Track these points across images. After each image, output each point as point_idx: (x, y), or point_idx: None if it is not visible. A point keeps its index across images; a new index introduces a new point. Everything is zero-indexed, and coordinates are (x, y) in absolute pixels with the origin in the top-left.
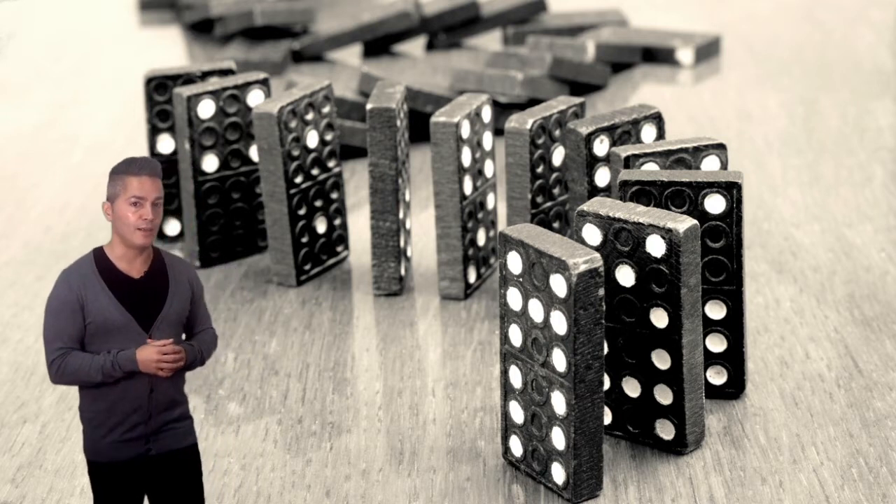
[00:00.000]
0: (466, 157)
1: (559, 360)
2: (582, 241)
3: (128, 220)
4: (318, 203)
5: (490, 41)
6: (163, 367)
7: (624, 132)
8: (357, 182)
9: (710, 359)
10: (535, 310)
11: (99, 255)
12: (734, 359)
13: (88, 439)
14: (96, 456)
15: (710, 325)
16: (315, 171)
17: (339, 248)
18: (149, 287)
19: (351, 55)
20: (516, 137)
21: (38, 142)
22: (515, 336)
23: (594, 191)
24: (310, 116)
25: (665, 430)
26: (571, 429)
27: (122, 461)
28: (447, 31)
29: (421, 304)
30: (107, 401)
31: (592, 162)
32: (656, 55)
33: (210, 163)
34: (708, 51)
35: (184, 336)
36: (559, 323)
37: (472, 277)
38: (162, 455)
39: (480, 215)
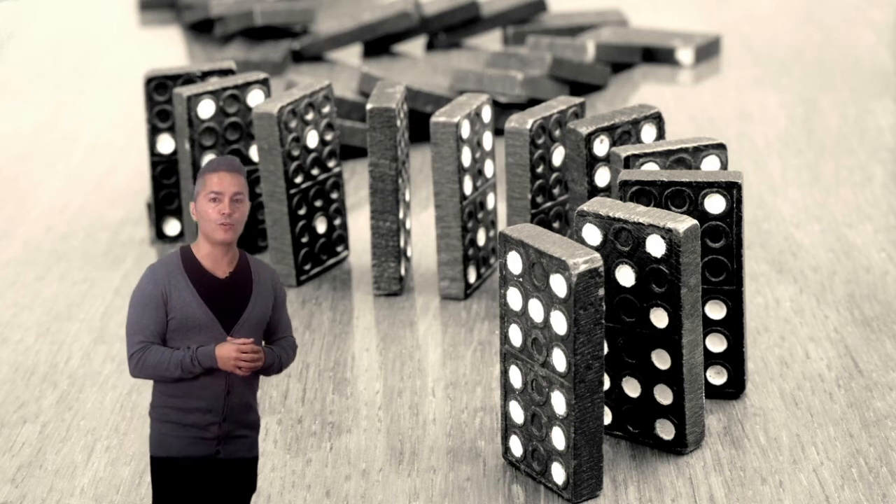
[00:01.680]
0: (466, 157)
1: (559, 360)
2: (582, 241)
3: (208, 215)
4: (318, 203)
5: (490, 41)
6: (241, 365)
7: (624, 132)
8: (357, 182)
9: (710, 359)
10: (535, 310)
11: (185, 252)
12: (734, 359)
13: (157, 434)
14: (164, 451)
15: (710, 325)
16: (315, 171)
17: (339, 248)
18: (233, 288)
19: (351, 55)
20: (516, 137)
21: (38, 142)
22: (515, 336)
23: (594, 191)
24: (310, 116)
25: (665, 430)
26: (571, 429)
27: (189, 458)
28: (447, 31)
29: (421, 304)
30: (182, 398)
31: (592, 162)
32: (656, 55)
33: None
34: (708, 51)
35: (262, 342)
36: (559, 323)
37: (472, 277)
38: (229, 461)
39: (480, 215)
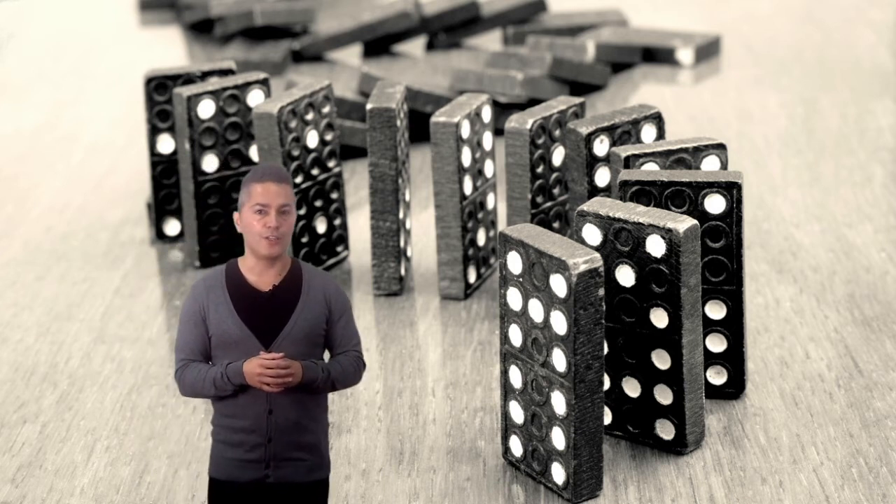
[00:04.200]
0: (466, 157)
1: (559, 360)
2: (582, 241)
3: (253, 228)
4: (318, 203)
5: (490, 41)
6: (266, 381)
7: (624, 132)
8: (357, 182)
9: (710, 359)
10: (535, 310)
11: (231, 266)
12: (734, 359)
13: (213, 453)
14: (216, 472)
15: (710, 325)
16: (315, 171)
17: (339, 248)
18: (275, 301)
19: (351, 55)
20: (516, 137)
21: (38, 142)
22: (515, 336)
23: (594, 191)
24: (310, 116)
25: (665, 430)
26: (571, 429)
27: (239, 482)
28: (447, 31)
29: (421, 304)
30: (230, 417)
31: (592, 162)
32: (656, 55)
33: (210, 163)
34: (708, 51)
35: (327, 356)
36: (559, 323)
37: (472, 277)
38: (282, 485)
39: (480, 215)
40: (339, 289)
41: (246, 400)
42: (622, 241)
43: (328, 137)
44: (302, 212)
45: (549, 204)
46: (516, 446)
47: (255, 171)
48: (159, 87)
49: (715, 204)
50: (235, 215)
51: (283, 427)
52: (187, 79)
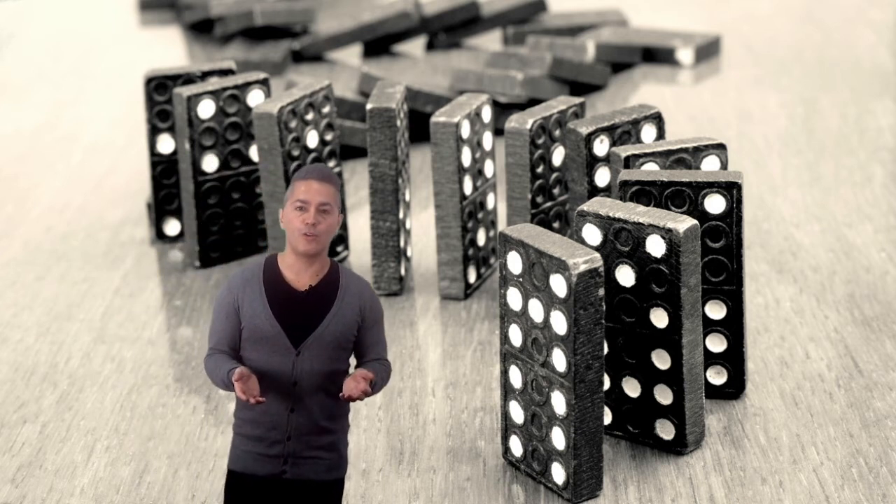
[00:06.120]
0: (466, 157)
1: (559, 360)
2: (582, 241)
3: (292, 224)
4: None
5: (490, 41)
6: (240, 396)
7: (624, 132)
8: (357, 182)
9: (710, 359)
10: (535, 310)
11: (269, 261)
12: (734, 359)
13: (232, 445)
14: (234, 464)
15: (710, 325)
16: None
17: (339, 248)
18: (310, 302)
19: (351, 55)
20: (516, 137)
21: (38, 142)
22: (515, 336)
23: (594, 191)
24: (310, 116)
25: (665, 430)
26: (571, 429)
27: (255, 476)
28: (447, 31)
29: (421, 304)
30: (251, 411)
31: (592, 162)
32: (656, 55)
33: (210, 163)
34: (708, 51)
35: (353, 361)
36: (559, 323)
37: (472, 277)
38: (298, 482)
39: (480, 215)
40: (375, 296)
41: (269, 396)
42: (622, 241)
43: (328, 137)
44: None
45: (549, 204)
46: (516, 446)
47: (301, 170)
48: (159, 87)
49: (715, 204)
50: (280, 212)
51: (304, 426)
52: (187, 79)
